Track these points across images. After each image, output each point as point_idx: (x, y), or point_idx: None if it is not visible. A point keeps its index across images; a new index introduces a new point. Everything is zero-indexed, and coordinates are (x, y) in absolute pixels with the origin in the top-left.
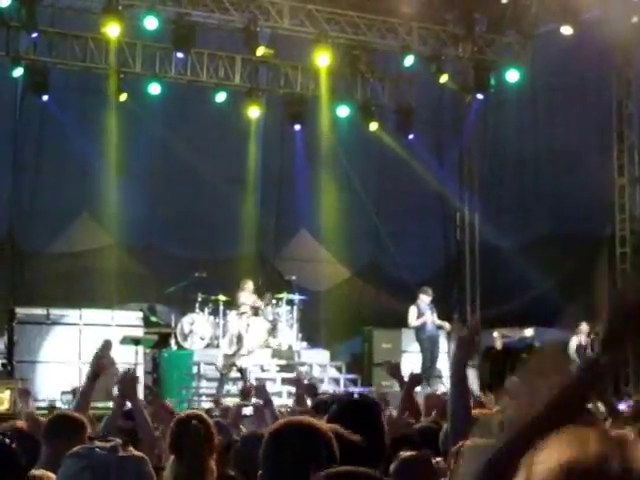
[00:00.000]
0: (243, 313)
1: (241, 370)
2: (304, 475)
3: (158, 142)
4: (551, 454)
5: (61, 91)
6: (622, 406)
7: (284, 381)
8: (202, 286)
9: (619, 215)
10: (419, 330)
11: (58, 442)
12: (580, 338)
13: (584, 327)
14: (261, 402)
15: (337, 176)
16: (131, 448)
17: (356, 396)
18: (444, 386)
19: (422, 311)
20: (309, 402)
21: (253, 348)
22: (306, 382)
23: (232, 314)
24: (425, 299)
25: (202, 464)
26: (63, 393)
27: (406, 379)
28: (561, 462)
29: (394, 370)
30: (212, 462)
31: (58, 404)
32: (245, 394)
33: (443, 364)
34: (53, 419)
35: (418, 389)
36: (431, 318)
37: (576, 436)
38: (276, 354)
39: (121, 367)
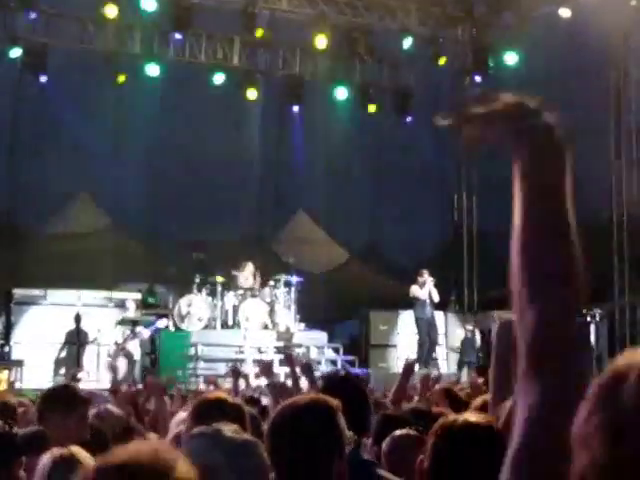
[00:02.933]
0: (241, 294)
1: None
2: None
3: (156, 123)
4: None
5: (59, 72)
6: None
7: (280, 362)
8: (200, 267)
9: (616, 198)
10: (416, 312)
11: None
12: None
13: None
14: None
15: (335, 158)
16: (246, 434)
17: (342, 373)
18: (438, 369)
19: (420, 295)
20: (304, 381)
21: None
22: (302, 362)
23: (230, 295)
24: (421, 281)
25: None
26: (57, 375)
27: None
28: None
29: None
30: None
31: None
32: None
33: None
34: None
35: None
36: (428, 300)
37: None
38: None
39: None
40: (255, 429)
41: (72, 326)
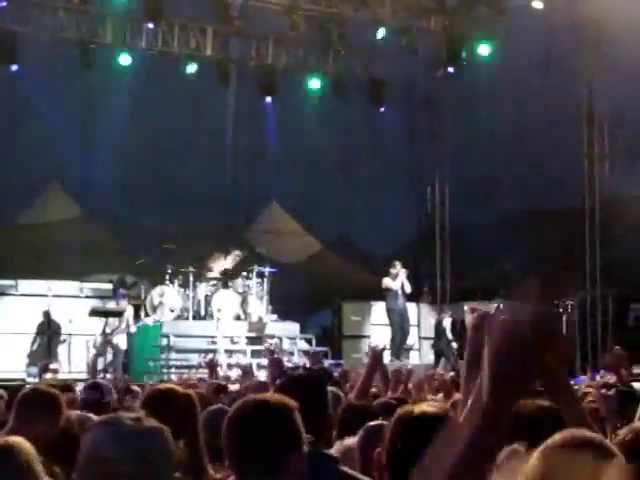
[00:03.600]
0: (213, 285)
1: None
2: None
3: (128, 113)
4: None
5: (30, 61)
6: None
7: (254, 353)
8: (172, 258)
9: (588, 188)
10: (388, 303)
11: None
12: None
13: None
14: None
15: (308, 148)
16: (151, 419)
17: (301, 371)
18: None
19: (392, 286)
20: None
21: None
22: (275, 356)
23: (202, 286)
24: (393, 272)
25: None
26: (29, 365)
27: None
28: None
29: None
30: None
31: (23, 375)
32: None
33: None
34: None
35: (386, 362)
36: (400, 291)
37: None
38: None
39: (90, 339)
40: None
41: (42, 317)
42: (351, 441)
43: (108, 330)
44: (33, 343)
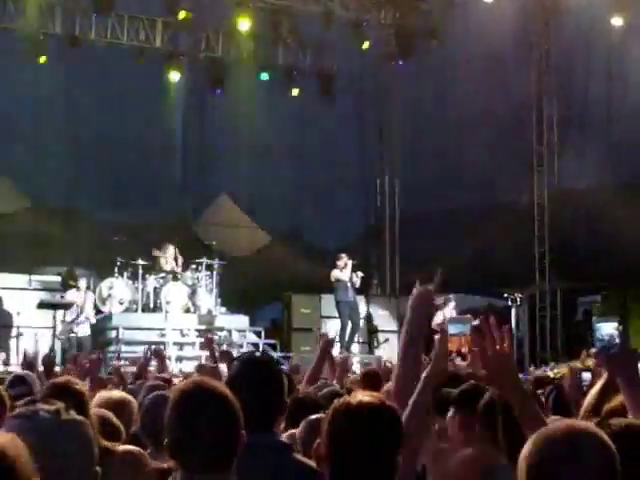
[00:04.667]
0: (162, 278)
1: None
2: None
3: (77, 105)
4: None
5: None
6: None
7: (201, 345)
8: (121, 250)
9: (537, 183)
10: (338, 295)
11: None
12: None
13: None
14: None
15: (258, 141)
16: (72, 412)
17: (257, 354)
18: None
19: (342, 277)
20: (224, 368)
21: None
22: (222, 348)
23: (151, 278)
24: (341, 265)
25: None
26: None
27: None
28: None
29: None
30: None
31: None
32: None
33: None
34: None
35: (335, 354)
36: (350, 283)
37: None
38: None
39: (39, 331)
40: None
41: None
42: (295, 431)
43: (68, 319)
44: None
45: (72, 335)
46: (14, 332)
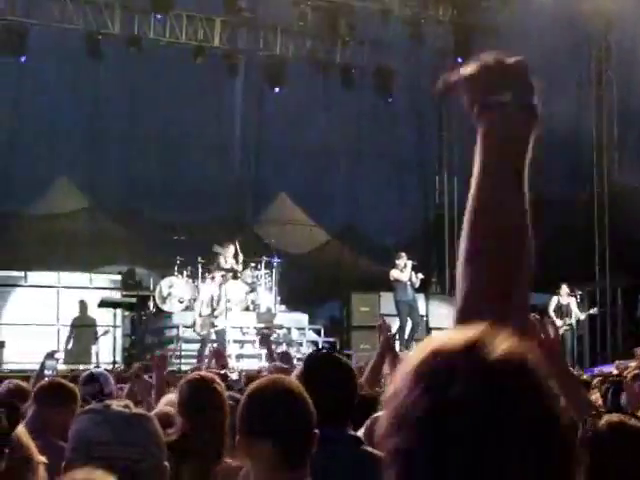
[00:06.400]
0: (222, 276)
1: (218, 331)
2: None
3: (136, 104)
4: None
5: (38, 52)
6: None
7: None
8: (181, 249)
9: (597, 178)
10: (397, 295)
11: (47, 409)
12: (560, 298)
13: (564, 288)
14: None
15: (316, 140)
16: (139, 408)
17: (324, 351)
18: None
19: (401, 278)
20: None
21: (231, 310)
22: (280, 350)
23: (211, 277)
24: (400, 265)
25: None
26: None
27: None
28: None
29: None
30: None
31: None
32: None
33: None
34: (47, 385)
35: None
36: (409, 282)
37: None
38: (256, 317)
39: (100, 330)
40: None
41: (53, 308)
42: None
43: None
44: (69, 337)
45: (214, 329)
46: (108, 331)
